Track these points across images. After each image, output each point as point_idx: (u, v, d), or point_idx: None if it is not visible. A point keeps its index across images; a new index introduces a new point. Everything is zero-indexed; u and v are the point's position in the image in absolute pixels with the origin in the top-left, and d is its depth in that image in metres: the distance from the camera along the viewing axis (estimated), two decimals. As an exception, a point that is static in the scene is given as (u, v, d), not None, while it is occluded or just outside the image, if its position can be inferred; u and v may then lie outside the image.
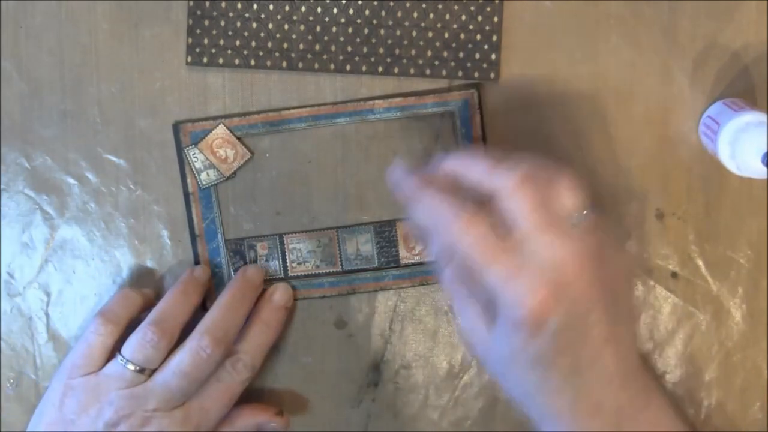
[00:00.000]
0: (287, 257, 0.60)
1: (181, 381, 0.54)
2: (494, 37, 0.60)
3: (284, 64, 0.60)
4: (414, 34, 0.60)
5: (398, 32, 0.60)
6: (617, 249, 0.47)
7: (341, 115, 0.59)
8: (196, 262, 0.61)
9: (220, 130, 0.57)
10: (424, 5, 0.60)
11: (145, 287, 0.61)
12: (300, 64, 0.60)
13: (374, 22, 0.60)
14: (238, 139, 0.60)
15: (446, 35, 0.60)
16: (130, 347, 0.55)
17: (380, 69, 0.60)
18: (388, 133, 0.61)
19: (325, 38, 0.60)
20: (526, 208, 0.45)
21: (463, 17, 0.60)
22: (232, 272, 0.60)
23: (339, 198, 0.61)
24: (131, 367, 0.55)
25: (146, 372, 0.55)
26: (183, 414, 0.55)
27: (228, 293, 0.58)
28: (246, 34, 0.60)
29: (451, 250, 0.46)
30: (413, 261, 0.60)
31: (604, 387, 0.46)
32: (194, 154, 0.58)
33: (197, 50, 0.60)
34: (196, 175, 0.59)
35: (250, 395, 0.62)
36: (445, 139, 0.61)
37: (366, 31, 0.60)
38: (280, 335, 0.61)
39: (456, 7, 0.60)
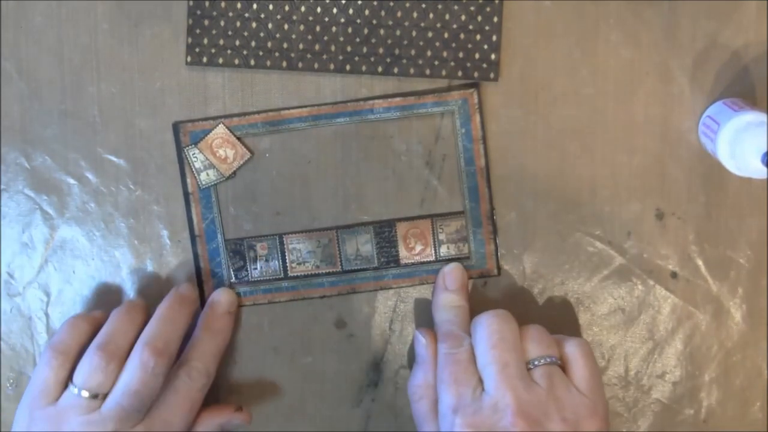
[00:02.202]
0: (287, 257, 0.60)
1: (132, 399, 0.54)
2: (494, 37, 0.60)
3: (284, 64, 0.60)
4: (414, 34, 0.60)
5: (398, 32, 0.60)
6: (567, 387, 0.53)
7: (341, 115, 0.59)
8: (196, 263, 0.61)
9: (220, 130, 0.57)
10: (423, 5, 0.60)
11: (145, 288, 0.62)
12: (300, 64, 0.60)
13: (374, 22, 0.60)
14: (238, 138, 0.60)
15: (446, 35, 0.60)
16: (80, 374, 0.55)
17: (380, 69, 0.60)
18: (388, 133, 0.61)
19: (325, 38, 0.60)
20: (494, 370, 0.53)
21: (463, 17, 0.60)
22: (232, 273, 0.60)
23: (339, 198, 0.61)
24: (84, 394, 0.54)
25: (100, 396, 0.55)
26: (145, 430, 0.55)
27: (163, 307, 0.58)
28: (246, 33, 0.60)
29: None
30: (413, 261, 0.60)
31: None
32: (194, 154, 0.58)
33: (197, 50, 0.60)
34: (196, 175, 0.59)
35: (250, 396, 0.62)
36: (445, 139, 0.61)
37: (366, 31, 0.60)
38: (231, 340, 0.61)
39: (456, 7, 0.60)
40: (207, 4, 0.60)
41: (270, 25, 0.60)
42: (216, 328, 0.59)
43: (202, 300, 0.61)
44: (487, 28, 0.60)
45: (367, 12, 0.60)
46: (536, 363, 0.54)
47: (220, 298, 0.60)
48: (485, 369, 0.53)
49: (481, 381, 0.53)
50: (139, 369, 0.55)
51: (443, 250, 0.60)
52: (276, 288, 0.61)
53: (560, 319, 0.61)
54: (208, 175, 0.59)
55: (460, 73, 0.60)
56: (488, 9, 0.60)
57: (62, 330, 0.57)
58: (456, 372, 0.54)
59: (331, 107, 0.60)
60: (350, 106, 0.59)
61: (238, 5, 0.60)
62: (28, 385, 0.56)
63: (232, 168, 0.59)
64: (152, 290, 0.62)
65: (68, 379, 0.56)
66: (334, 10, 0.60)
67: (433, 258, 0.60)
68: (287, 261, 0.60)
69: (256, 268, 0.61)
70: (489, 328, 0.54)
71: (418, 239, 0.60)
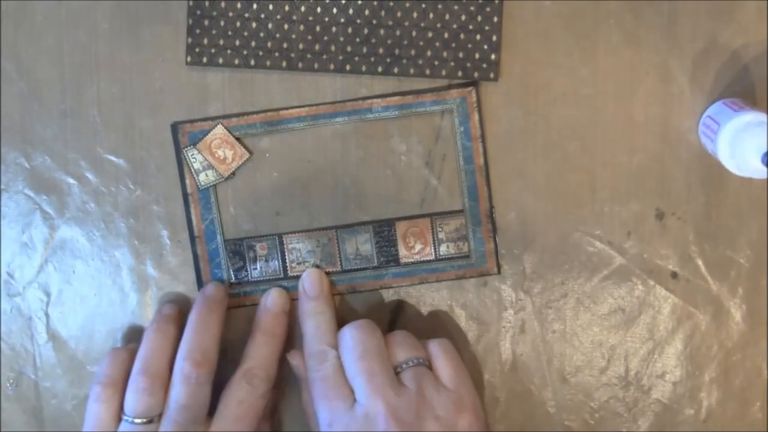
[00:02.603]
0: (287, 257, 0.60)
1: (185, 413, 0.55)
2: (494, 37, 0.60)
3: (284, 64, 0.60)
4: (413, 34, 0.60)
5: (398, 32, 0.60)
6: (436, 386, 0.54)
7: (340, 114, 0.59)
8: (196, 263, 0.61)
9: (219, 131, 0.57)
10: (423, 5, 0.60)
11: (145, 288, 0.62)
12: (300, 64, 0.60)
13: (374, 22, 0.60)
14: (237, 139, 0.60)
15: (446, 35, 0.60)
16: (129, 404, 0.55)
17: (380, 69, 0.60)
18: (388, 133, 0.61)
19: (325, 38, 0.60)
20: (363, 380, 0.54)
21: (463, 17, 0.60)
22: (232, 273, 0.60)
23: (338, 198, 0.61)
24: (138, 421, 0.55)
25: (155, 419, 0.55)
26: None
27: (194, 315, 0.58)
28: (246, 33, 0.60)
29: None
30: (413, 260, 0.60)
31: None
32: (193, 154, 0.58)
33: (197, 50, 0.60)
34: (195, 175, 0.59)
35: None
36: (445, 139, 0.61)
37: (365, 31, 0.60)
38: (288, 340, 0.60)
39: (456, 7, 0.60)
40: (207, 4, 0.60)
41: (270, 25, 0.60)
42: (272, 330, 0.59)
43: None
44: (487, 28, 0.60)
45: (367, 12, 0.60)
46: (404, 366, 0.55)
47: (275, 299, 0.60)
48: (354, 380, 0.54)
49: (352, 392, 0.54)
50: (183, 383, 0.55)
51: (443, 249, 0.60)
52: (276, 287, 0.61)
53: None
54: (207, 175, 0.59)
55: (460, 73, 0.60)
56: (488, 9, 0.60)
57: (104, 364, 0.57)
58: (325, 388, 0.55)
59: (330, 107, 0.60)
60: (349, 105, 0.59)
61: (238, 5, 0.60)
62: (84, 425, 0.56)
63: (231, 168, 0.59)
64: (152, 290, 0.62)
65: (121, 412, 0.56)
66: (334, 10, 0.60)
67: (432, 257, 0.60)
68: (287, 261, 0.60)
69: (255, 268, 0.61)
70: (353, 340, 0.55)
71: (418, 238, 0.60)
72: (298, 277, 0.60)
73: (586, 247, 0.61)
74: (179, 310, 0.60)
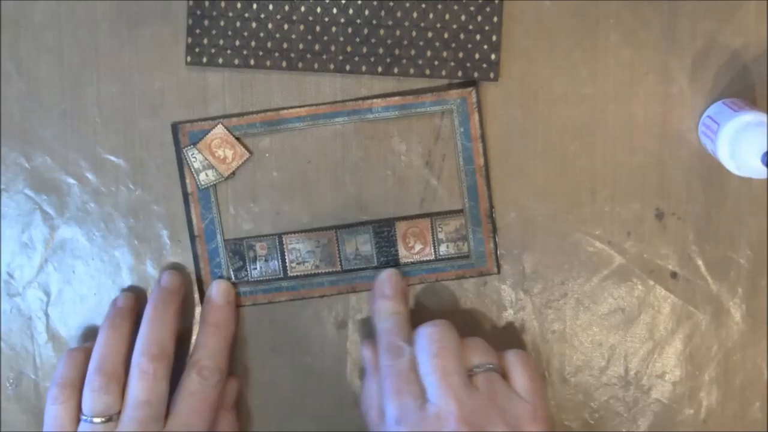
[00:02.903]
0: (286, 257, 0.60)
1: (144, 410, 0.55)
2: (494, 37, 0.60)
3: (284, 64, 0.60)
4: (413, 34, 0.60)
5: (398, 32, 0.60)
6: (508, 393, 0.54)
7: (339, 115, 0.59)
8: (196, 263, 0.61)
9: (219, 130, 0.57)
10: (423, 5, 0.60)
11: (145, 288, 0.62)
12: (299, 64, 0.60)
13: (374, 22, 0.60)
14: (237, 139, 0.60)
15: (446, 35, 0.60)
16: (86, 403, 0.55)
17: (380, 69, 0.60)
18: (388, 133, 0.61)
19: (325, 38, 0.60)
20: (436, 378, 0.53)
21: (463, 17, 0.60)
22: (232, 273, 0.60)
23: (339, 197, 0.61)
24: (97, 420, 0.55)
25: (114, 418, 0.55)
26: None
27: (149, 308, 0.58)
28: (245, 34, 0.60)
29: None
30: (412, 260, 0.60)
31: None
32: (193, 154, 0.58)
33: (197, 50, 0.60)
34: (195, 175, 0.59)
35: (250, 395, 0.62)
36: (445, 139, 0.61)
37: (365, 31, 0.60)
38: (235, 333, 0.61)
39: (455, 7, 0.60)
40: (207, 4, 0.60)
41: (270, 25, 0.60)
42: (217, 321, 0.59)
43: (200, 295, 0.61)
44: (486, 28, 0.60)
45: (366, 12, 0.60)
46: (477, 370, 0.54)
47: (215, 289, 0.60)
48: (427, 378, 0.54)
49: (424, 390, 0.53)
50: (141, 379, 0.55)
51: (443, 249, 0.60)
52: (276, 288, 0.61)
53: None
54: (207, 175, 0.59)
55: (459, 73, 0.60)
56: (488, 9, 0.60)
57: (61, 365, 0.57)
58: (397, 383, 0.54)
59: (330, 107, 0.60)
60: (349, 105, 0.59)
61: (238, 5, 0.60)
62: (44, 427, 0.56)
63: (231, 168, 0.59)
64: (152, 290, 0.62)
65: (79, 412, 0.56)
66: (334, 10, 0.60)
67: (432, 257, 0.60)
68: (287, 261, 0.60)
69: (255, 268, 0.61)
70: (430, 337, 0.55)
71: (418, 238, 0.60)
72: (297, 277, 0.60)
73: (586, 247, 0.61)
74: (135, 299, 0.60)
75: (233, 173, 0.60)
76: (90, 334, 0.62)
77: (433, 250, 0.60)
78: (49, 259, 0.62)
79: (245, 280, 0.61)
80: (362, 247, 0.59)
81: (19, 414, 0.63)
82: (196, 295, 0.61)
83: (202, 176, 0.59)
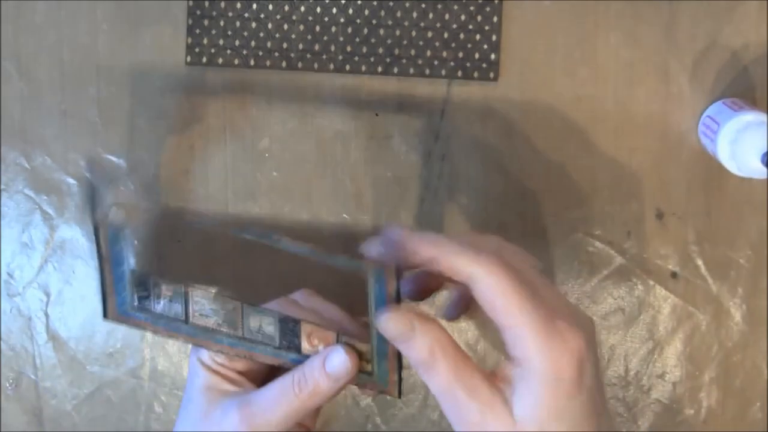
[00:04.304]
0: (190, 307, 0.54)
1: None
2: (494, 37, 0.60)
3: (284, 64, 0.60)
4: (413, 34, 0.60)
5: (397, 32, 0.60)
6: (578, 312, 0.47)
7: (247, 232, 0.51)
8: (102, 278, 0.54)
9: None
10: (423, 5, 0.60)
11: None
12: (299, 64, 0.60)
13: (373, 22, 0.60)
14: None
15: (446, 35, 0.60)
16: None
17: (379, 69, 0.60)
18: (388, 133, 0.61)
19: (325, 38, 0.60)
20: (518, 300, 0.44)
21: (463, 17, 0.60)
22: (136, 298, 0.55)
23: (339, 198, 0.61)
24: None
25: None
26: None
27: None
28: (245, 33, 0.60)
29: (437, 346, 0.47)
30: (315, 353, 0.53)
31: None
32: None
33: (197, 50, 0.60)
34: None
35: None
36: (445, 140, 0.61)
37: (365, 31, 0.60)
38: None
39: (455, 7, 0.60)
40: (207, 4, 0.60)
41: (270, 25, 0.60)
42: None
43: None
44: (486, 28, 0.60)
45: (366, 12, 0.60)
46: None
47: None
48: None
49: None
50: None
51: None
52: (177, 328, 0.55)
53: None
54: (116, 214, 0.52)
55: (459, 73, 0.60)
56: (488, 9, 0.60)
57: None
58: None
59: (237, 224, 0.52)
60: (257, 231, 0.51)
61: (238, 5, 0.60)
62: None
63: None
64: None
65: None
66: (334, 10, 0.60)
67: None
68: (190, 309, 0.55)
69: (159, 303, 0.55)
70: None
71: (322, 341, 0.53)
72: (199, 327, 0.54)
73: (586, 247, 0.61)
74: None
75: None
76: (90, 333, 0.62)
77: None
78: (49, 259, 0.62)
79: (148, 309, 0.55)
80: (266, 327, 0.53)
81: (19, 414, 0.63)
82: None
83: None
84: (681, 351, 0.61)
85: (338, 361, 0.51)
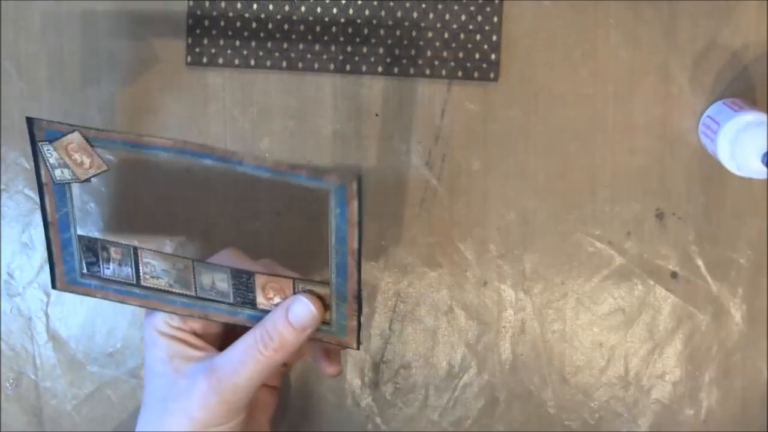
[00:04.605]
0: (140, 269, 0.53)
1: None
2: (494, 37, 0.60)
3: (284, 64, 0.60)
4: (414, 34, 0.60)
5: (398, 32, 0.60)
6: None
7: (208, 157, 0.49)
8: (48, 248, 0.54)
9: (75, 137, 0.52)
10: (423, 5, 0.60)
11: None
12: (300, 64, 0.60)
13: (374, 22, 0.60)
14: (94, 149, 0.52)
15: (446, 35, 0.60)
16: None
17: (380, 69, 0.60)
18: (388, 133, 0.61)
19: (325, 38, 0.60)
20: None
21: (463, 17, 0.60)
22: (84, 265, 0.54)
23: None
24: None
25: None
26: None
27: None
28: (246, 34, 0.60)
29: None
30: (270, 309, 0.52)
31: None
32: (48, 150, 0.51)
33: (197, 50, 0.60)
34: (50, 170, 0.53)
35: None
36: (445, 140, 0.61)
37: (365, 31, 0.60)
38: None
39: (456, 7, 0.60)
40: (207, 4, 0.60)
41: (270, 26, 0.60)
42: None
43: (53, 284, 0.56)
44: (487, 28, 0.60)
45: (367, 12, 0.60)
46: None
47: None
48: None
49: None
50: None
51: None
52: (128, 292, 0.54)
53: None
54: (62, 173, 0.53)
55: (460, 73, 0.60)
56: (488, 9, 0.60)
57: None
58: None
59: (199, 147, 0.49)
60: (218, 151, 0.49)
61: (238, 5, 0.60)
62: None
63: (88, 174, 0.52)
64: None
65: None
66: (334, 10, 0.60)
67: None
68: (140, 272, 0.54)
69: (108, 268, 0.54)
70: None
71: (277, 293, 0.52)
72: (150, 288, 0.53)
73: (586, 247, 0.61)
74: None
75: (89, 179, 0.53)
76: (90, 333, 0.62)
77: None
78: (49, 259, 0.62)
79: (97, 275, 0.55)
80: (219, 283, 0.52)
81: (19, 414, 0.63)
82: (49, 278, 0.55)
83: (57, 172, 0.52)
84: (681, 351, 0.61)
85: (301, 309, 0.50)
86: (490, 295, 0.62)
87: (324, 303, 0.51)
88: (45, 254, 0.62)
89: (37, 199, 0.62)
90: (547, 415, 0.62)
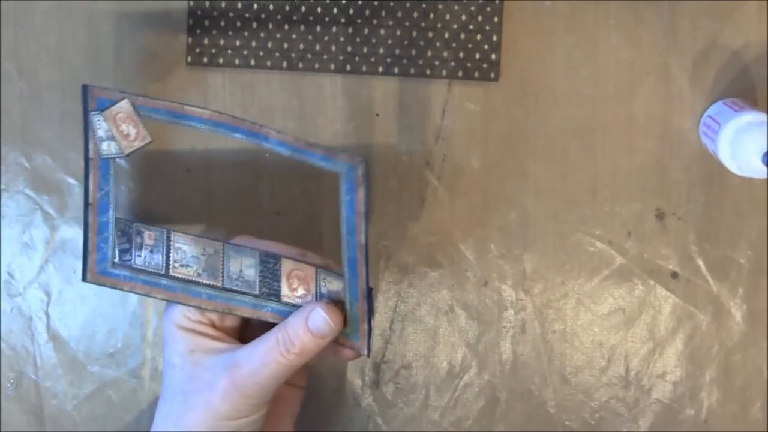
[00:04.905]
0: (171, 255, 0.54)
1: None
2: (494, 37, 0.60)
3: (284, 64, 0.60)
4: (414, 34, 0.60)
5: (398, 32, 0.60)
6: None
7: (239, 131, 0.51)
8: (85, 232, 0.54)
9: (124, 105, 0.53)
10: (424, 5, 0.60)
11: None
12: (300, 64, 0.60)
13: (374, 22, 0.60)
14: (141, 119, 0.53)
15: (446, 35, 0.60)
16: None
17: (380, 69, 0.60)
18: (388, 133, 0.61)
19: (325, 38, 0.60)
20: None
21: (463, 17, 0.60)
22: (117, 252, 0.54)
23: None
24: None
25: None
26: None
27: None
28: (246, 34, 0.60)
29: None
30: (293, 302, 0.53)
31: None
32: (98, 120, 0.52)
33: (197, 50, 0.60)
34: (98, 143, 0.53)
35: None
36: (446, 140, 0.61)
37: (366, 31, 0.60)
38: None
39: (456, 7, 0.60)
40: (207, 4, 0.60)
41: (270, 25, 0.60)
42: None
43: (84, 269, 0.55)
44: (487, 28, 0.60)
45: (367, 12, 0.60)
46: None
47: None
48: None
49: None
50: None
51: None
52: (155, 283, 0.54)
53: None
54: (109, 146, 0.53)
55: (460, 73, 0.60)
56: (488, 9, 0.60)
57: None
58: None
59: (231, 119, 0.51)
60: (247, 124, 0.51)
61: (238, 5, 0.60)
62: None
63: (132, 147, 0.52)
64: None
65: None
66: (335, 10, 0.60)
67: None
68: (171, 258, 0.54)
69: (140, 256, 0.54)
70: None
71: (302, 283, 0.54)
72: (177, 279, 0.54)
73: (586, 247, 0.61)
74: None
75: (131, 153, 0.53)
76: (91, 333, 0.62)
77: (314, 300, 0.54)
78: (50, 259, 0.62)
79: (128, 264, 0.54)
80: (246, 270, 0.54)
81: (19, 414, 0.63)
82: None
83: (104, 146, 0.52)
84: (681, 351, 0.61)
85: (319, 319, 0.52)
86: (491, 295, 0.62)
87: (343, 308, 0.52)
88: (45, 254, 0.62)
89: (38, 200, 0.62)
90: (548, 415, 0.62)
